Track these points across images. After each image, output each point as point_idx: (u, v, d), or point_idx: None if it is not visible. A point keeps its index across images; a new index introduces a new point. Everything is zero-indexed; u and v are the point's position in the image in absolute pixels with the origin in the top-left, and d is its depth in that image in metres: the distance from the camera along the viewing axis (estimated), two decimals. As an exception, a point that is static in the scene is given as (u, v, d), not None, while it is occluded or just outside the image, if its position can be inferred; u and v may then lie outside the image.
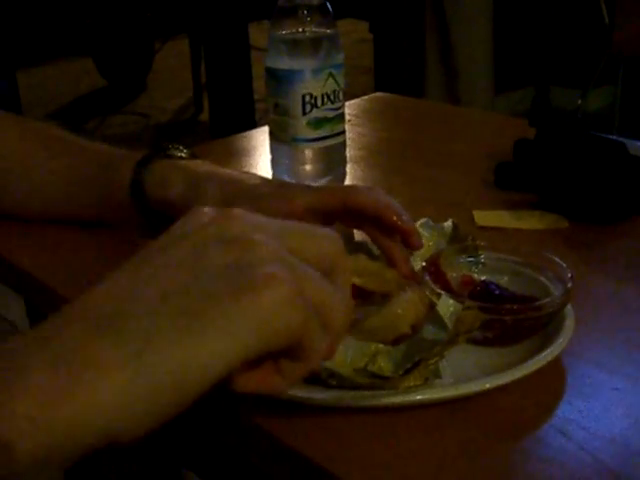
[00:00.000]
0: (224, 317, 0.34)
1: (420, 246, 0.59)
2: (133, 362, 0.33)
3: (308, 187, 0.64)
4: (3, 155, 0.73)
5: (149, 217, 0.68)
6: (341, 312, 0.38)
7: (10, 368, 0.32)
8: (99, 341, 0.33)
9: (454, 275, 0.58)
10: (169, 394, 0.34)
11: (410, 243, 0.59)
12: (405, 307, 0.51)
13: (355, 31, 4.30)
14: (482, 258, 0.60)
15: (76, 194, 0.71)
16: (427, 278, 0.56)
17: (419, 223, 0.63)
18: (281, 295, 0.35)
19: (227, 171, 0.66)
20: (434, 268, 0.57)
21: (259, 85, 2.52)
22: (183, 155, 0.69)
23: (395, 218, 0.58)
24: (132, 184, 0.67)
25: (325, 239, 0.40)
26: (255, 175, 0.68)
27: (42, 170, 0.72)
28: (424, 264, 0.58)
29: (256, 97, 3.05)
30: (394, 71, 3.35)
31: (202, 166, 0.67)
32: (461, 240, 0.62)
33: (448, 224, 0.64)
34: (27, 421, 0.31)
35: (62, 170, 0.72)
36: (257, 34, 3.13)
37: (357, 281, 0.54)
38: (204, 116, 3.80)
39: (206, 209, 0.40)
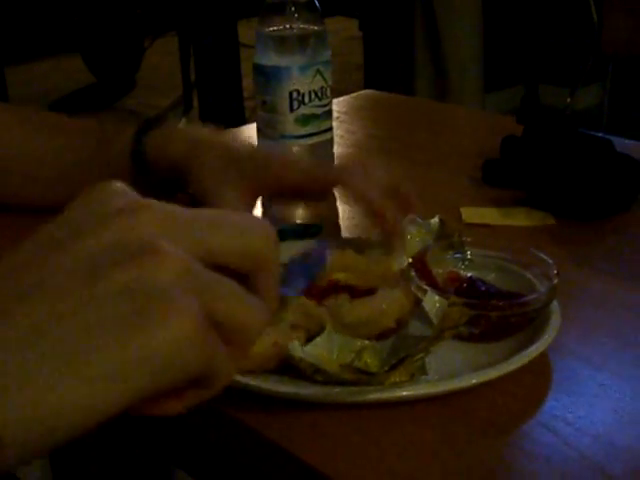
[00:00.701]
0: (110, 360, 0.29)
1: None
2: None
3: (306, 162, 0.67)
4: (1, 139, 0.74)
5: (150, 185, 0.65)
6: (254, 328, 0.33)
7: None
8: None
9: (440, 271, 0.58)
10: (43, 436, 0.28)
11: (390, 243, 0.60)
12: (389, 302, 0.51)
13: (345, 29, 4.31)
14: (468, 255, 0.60)
15: (76, 172, 0.72)
16: (413, 274, 0.56)
17: (406, 219, 0.63)
18: (179, 333, 0.29)
19: (226, 137, 0.69)
20: (420, 264, 0.57)
21: (249, 83, 2.53)
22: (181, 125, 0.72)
23: (380, 220, 0.59)
24: (133, 152, 0.69)
25: (254, 233, 0.34)
26: (253, 143, 0.73)
27: (41, 152, 0.74)
28: (410, 260, 0.58)
29: (246, 95, 3.05)
30: (384, 69, 3.36)
31: (202, 130, 0.70)
32: (448, 237, 0.62)
33: (435, 221, 0.64)
34: None
35: (61, 150, 0.73)
36: (246, 31, 3.12)
37: (343, 277, 0.54)
38: (194, 114, 3.79)
39: (115, 186, 0.34)
